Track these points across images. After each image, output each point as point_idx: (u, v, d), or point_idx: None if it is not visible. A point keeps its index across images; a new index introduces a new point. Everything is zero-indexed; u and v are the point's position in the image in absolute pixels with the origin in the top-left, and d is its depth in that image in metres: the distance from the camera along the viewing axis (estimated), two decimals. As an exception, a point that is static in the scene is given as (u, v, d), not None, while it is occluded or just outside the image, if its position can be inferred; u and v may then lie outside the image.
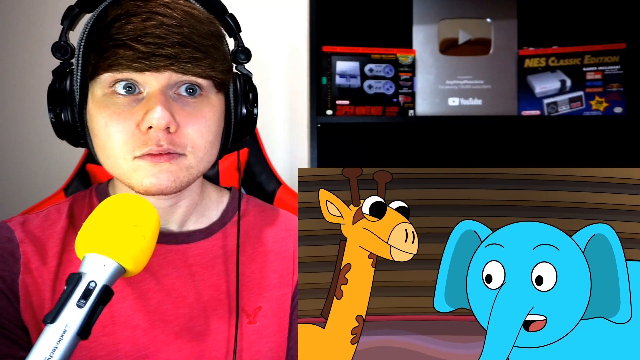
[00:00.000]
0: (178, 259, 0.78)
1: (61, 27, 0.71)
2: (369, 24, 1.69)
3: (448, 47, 1.61)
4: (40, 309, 0.72)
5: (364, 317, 0.65)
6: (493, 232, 0.65)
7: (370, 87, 1.56)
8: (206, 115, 0.71)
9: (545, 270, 0.63)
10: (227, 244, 0.81)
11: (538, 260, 0.64)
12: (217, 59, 0.69)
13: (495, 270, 0.64)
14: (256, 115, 0.77)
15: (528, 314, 0.63)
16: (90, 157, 0.99)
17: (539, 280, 0.63)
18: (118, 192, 0.79)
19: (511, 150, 1.71)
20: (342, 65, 1.55)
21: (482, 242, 0.65)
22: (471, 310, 0.65)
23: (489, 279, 0.64)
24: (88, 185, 0.98)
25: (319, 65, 1.53)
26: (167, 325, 0.75)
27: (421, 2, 1.60)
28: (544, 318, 0.63)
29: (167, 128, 0.67)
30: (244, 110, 0.76)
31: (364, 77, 1.56)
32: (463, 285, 0.65)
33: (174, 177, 0.68)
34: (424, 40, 1.59)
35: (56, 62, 0.71)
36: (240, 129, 0.77)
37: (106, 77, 0.67)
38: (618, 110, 1.55)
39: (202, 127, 0.70)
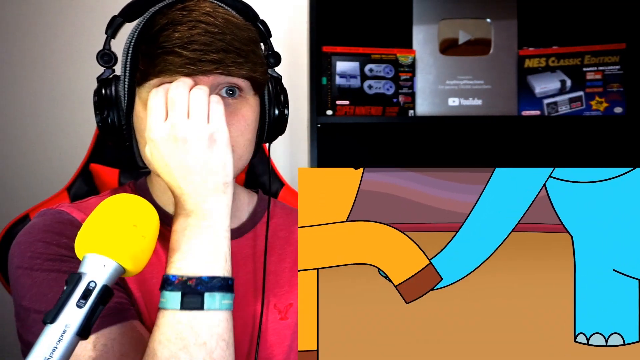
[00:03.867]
0: None
1: (105, 35, 0.75)
2: (369, 24, 1.69)
3: (448, 47, 1.61)
4: None
5: None
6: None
7: (370, 87, 1.56)
8: (245, 114, 0.74)
9: None
10: (257, 244, 0.83)
11: None
12: (256, 63, 0.74)
13: None
14: (287, 115, 0.81)
15: None
16: (94, 157, 1.00)
17: None
18: (156, 189, 0.81)
19: (511, 151, 1.71)
20: (342, 66, 1.56)
21: None
22: None
23: None
24: (91, 185, 0.99)
25: (319, 66, 1.53)
26: None
27: (421, 2, 1.60)
28: None
29: None
30: (277, 111, 0.80)
31: (364, 77, 1.56)
32: None
33: None
34: (424, 41, 1.59)
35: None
36: (273, 128, 0.81)
37: (155, 82, 0.71)
38: (618, 110, 1.55)
39: (242, 126, 0.74)
